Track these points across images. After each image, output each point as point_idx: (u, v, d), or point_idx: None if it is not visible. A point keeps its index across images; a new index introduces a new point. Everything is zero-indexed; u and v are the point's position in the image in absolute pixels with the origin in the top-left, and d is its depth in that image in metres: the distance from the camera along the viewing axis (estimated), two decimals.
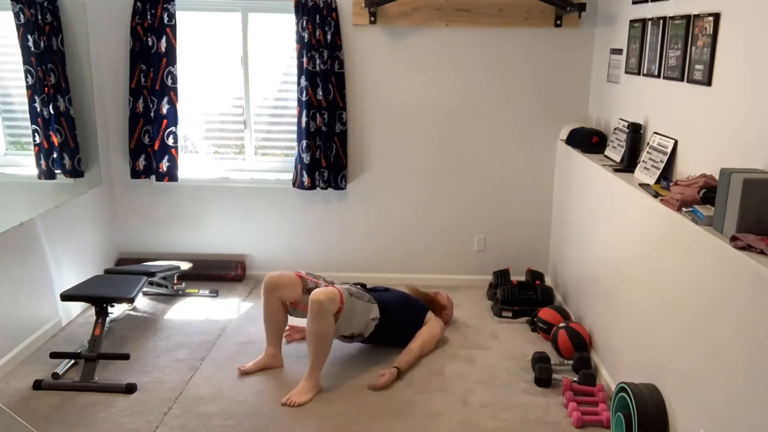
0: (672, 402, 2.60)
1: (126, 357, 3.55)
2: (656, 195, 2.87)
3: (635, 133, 3.42)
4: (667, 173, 3.10)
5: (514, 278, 4.58)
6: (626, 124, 3.59)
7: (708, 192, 2.53)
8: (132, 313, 4.29)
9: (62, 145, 4.06)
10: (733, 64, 2.60)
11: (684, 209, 2.56)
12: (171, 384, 3.43)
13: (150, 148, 4.62)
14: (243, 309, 4.39)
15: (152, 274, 4.16)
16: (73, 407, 3.20)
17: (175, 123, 4.58)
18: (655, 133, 3.29)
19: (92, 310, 3.70)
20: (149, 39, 4.44)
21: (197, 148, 4.92)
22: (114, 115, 4.67)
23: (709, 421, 2.29)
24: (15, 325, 3.63)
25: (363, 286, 3.98)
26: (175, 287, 4.56)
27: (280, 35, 4.59)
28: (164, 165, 4.62)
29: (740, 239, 2.14)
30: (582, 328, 3.72)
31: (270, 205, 4.80)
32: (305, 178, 4.58)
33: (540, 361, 3.49)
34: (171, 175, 4.65)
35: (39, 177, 4.01)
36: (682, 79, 3.02)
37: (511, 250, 4.80)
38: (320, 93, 4.45)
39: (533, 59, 4.49)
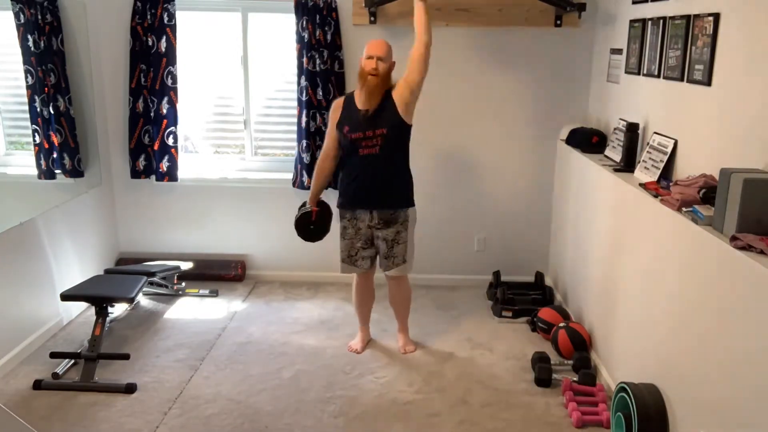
0: (672, 402, 2.60)
1: (126, 357, 3.55)
2: (656, 195, 2.87)
3: (632, 133, 3.42)
4: (667, 173, 3.10)
5: (514, 278, 4.60)
6: (626, 124, 3.59)
7: (708, 192, 2.53)
8: (132, 312, 4.29)
9: (62, 145, 4.06)
10: (733, 64, 2.60)
11: (684, 209, 2.56)
12: (171, 384, 3.43)
13: (150, 148, 4.62)
14: (243, 309, 4.40)
15: (152, 274, 4.16)
16: (73, 407, 3.20)
17: (175, 123, 4.58)
18: (655, 133, 3.29)
19: (92, 310, 3.70)
20: (149, 39, 4.44)
21: (197, 148, 4.92)
22: (114, 115, 4.67)
23: (709, 421, 2.29)
24: (15, 325, 3.63)
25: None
26: (175, 287, 4.56)
27: (280, 35, 4.59)
28: (164, 165, 4.62)
29: (740, 239, 2.14)
30: (582, 328, 3.72)
31: (270, 205, 4.80)
32: (305, 178, 4.58)
33: (540, 361, 3.49)
34: (171, 175, 4.65)
35: (39, 177, 4.01)
36: (682, 79, 3.02)
37: (511, 250, 4.80)
38: (320, 93, 4.45)
39: (533, 59, 4.49)
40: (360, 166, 3.55)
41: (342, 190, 3.66)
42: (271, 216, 4.82)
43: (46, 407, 3.19)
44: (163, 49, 4.44)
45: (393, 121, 3.49)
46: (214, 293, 4.61)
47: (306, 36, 4.37)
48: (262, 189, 4.78)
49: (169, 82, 4.50)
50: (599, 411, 3.12)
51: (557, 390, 3.39)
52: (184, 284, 4.63)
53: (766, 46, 2.37)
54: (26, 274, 3.73)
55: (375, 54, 3.50)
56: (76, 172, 4.20)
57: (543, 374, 3.41)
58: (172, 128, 4.58)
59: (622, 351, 3.23)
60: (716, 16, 2.71)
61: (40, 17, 3.86)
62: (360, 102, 3.53)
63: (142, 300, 4.49)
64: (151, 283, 4.36)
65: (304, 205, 3.81)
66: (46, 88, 3.92)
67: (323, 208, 3.80)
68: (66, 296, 3.60)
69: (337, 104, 3.65)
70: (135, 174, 4.67)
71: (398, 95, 3.51)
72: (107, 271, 4.36)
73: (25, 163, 4.09)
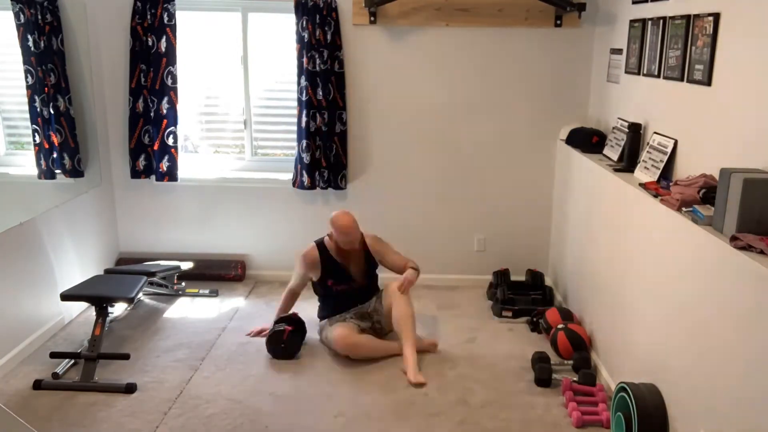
0: (672, 402, 2.60)
1: (126, 357, 3.55)
2: (656, 195, 2.87)
3: (635, 134, 3.42)
4: (667, 173, 3.10)
5: (513, 278, 4.60)
6: (625, 123, 3.60)
7: (708, 192, 2.53)
8: (132, 312, 4.29)
9: (62, 145, 4.06)
10: (733, 64, 2.60)
11: (684, 209, 2.56)
12: (171, 384, 3.43)
13: (150, 148, 4.62)
14: (243, 309, 4.39)
15: (152, 274, 4.16)
16: (73, 407, 3.20)
17: (175, 123, 4.58)
18: (655, 133, 3.29)
19: (92, 310, 3.70)
20: (149, 39, 4.44)
21: (197, 148, 4.92)
22: (114, 115, 4.67)
23: (709, 421, 2.29)
24: (15, 325, 3.63)
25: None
26: (175, 287, 4.56)
27: (280, 35, 4.59)
28: (164, 165, 4.62)
29: (740, 239, 2.14)
30: (581, 329, 3.71)
31: (270, 205, 4.80)
32: (305, 178, 4.58)
33: (540, 361, 3.49)
34: (171, 175, 4.65)
35: (39, 177, 4.01)
36: (682, 79, 3.02)
37: (511, 250, 4.80)
38: (320, 93, 4.45)
39: (533, 59, 4.49)
40: (338, 297, 3.88)
41: (322, 308, 3.97)
42: (271, 216, 4.82)
43: (46, 407, 3.19)
44: (163, 49, 4.44)
45: (370, 268, 3.94)
46: (214, 293, 4.61)
47: (306, 36, 4.37)
48: (262, 189, 4.78)
49: (169, 82, 4.50)
50: (599, 411, 3.12)
51: (557, 390, 3.39)
52: (184, 284, 4.63)
53: (766, 46, 2.37)
54: (26, 274, 3.73)
55: (350, 241, 3.81)
56: (76, 172, 4.20)
57: (543, 374, 3.41)
58: (172, 128, 4.58)
59: (622, 351, 3.22)
60: (716, 16, 2.71)
61: (40, 17, 3.86)
62: (340, 258, 3.86)
63: (142, 300, 4.49)
64: (151, 283, 4.36)
65: (279, 321, 3.81)
66: (46, 88, 3.92)
67: (297, 328, 3.80)
68: (66, 296, 3.60)
69: (313, 259, 3.87)
70: (135, 174, 4.67)
71: (375, 251, 3.94)
72: (107, 271, 4.37)
73: (25, 163, 4.09)
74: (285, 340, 3.68)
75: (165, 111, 4.54)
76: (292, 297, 4.00)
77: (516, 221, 4.78)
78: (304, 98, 4.47)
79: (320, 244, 3.89)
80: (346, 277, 3.85)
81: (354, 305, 3.89)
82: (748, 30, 2.50)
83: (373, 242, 3.97)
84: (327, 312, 3.91)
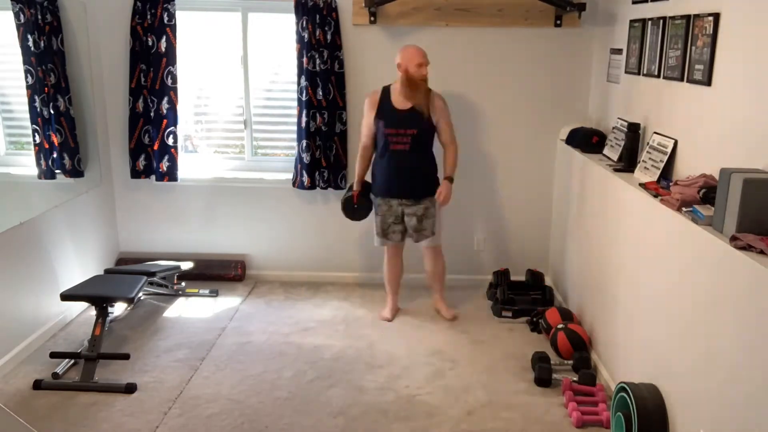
0: (672, 402, 2.60)
1: (126, 357, 3.55)
2: (656, 195, 2.87)
3: (634, 134, 3.42)
4: (667, 173, 3.10)
5: (513, 278, 4.60)
6: (624, 123, 3.60)
7: (708, 192, 2.53)
8: (132, 312, 4.29)
9: (62, 144, 4.06)
10: (733, 64, 2.60)
11: (684, 209, 2.56)
12: (171, 384, 3.43)
13: (150, 148, 4.62)
14: (243, 309, 4.40)
15: (152, 274, 4.16)
16: (73, 407, 3.20)
17: (175, 123, 4.58)
18: (655, 133, 3.29)
19: (92, 310, 3.70)
20: (149, 39, 4.44)
21: (197, 148, 4.92)
22: (114, 115, 4.67)
23: (709, 421, 2.29)
24: (15, 325, 3.63)
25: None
26: (175, 287, 4.56)
27: (280, 35, 4.59)
28: (164, 165, 4.62)
29: (740, 239, 2.14)
30: (581, 329, 3.72)
31: (270, 205, 4.80)
32: (305, 178, 4.58)
33: (540, 361, 3.49)
34: (171, 174, 4.65)
35: (39, 177, 4.01)
36: (682, 79, 3.02)
37: (511, 250, 4.80)
38: (320, 93, 4.45)
39: (533, 59, 4.49)
40: (391, 160, 3.98)
41: (375, 179, 4.11)
42: (271, 216, 4.82)
43: (46, 407, 3.19)
44: (163, 49, 4.44)
45: (423, 124, 3.94)
46: (214, 293, 4.61)
47: (306, 36, 4.37)
48: (262, 189, 4.78)
49: (169, 82, 4.50)
50: (599, 411, 3.12)
51: (557, 390, 3.39)
52: (184, 284, 4.63)
53: (766, 46, 2.37)
54: (26, 274, 3.73)
55: (425, 61, 3.90)
56: (76, 172, 4.20)
57: (543, 374, 3.41)
58: (172, 128, 4.58)
59: (622, 351, 3.23)
60: (716, 16, 2.71)
61: (40, 17, 3.86)
62: (399, 102, 3.94)
63: (142, 300, 4.49)
64: (151, 283, 4.35)
65: (350, 188, 4.23)
66: (46, 88, 3.92)
67: (365, 190, 4.18)
68: (66, 296, 3.60)
69: (373, 99, 4.02)
70: (135, 174, 4.67)
71: (436, 110, 3.97)
72: (107, 271, 4.36)
73: (25, 163, 4.09)
74: (355, 204, 4.16)
75: (165, 111, 4.54)
76: (364, 151, 4.11)
77: (516, 221, 4.78)
78: (304, 98, 4.47)
79: (385, 87, 4.03)
80: (398, 121, 3.91)
81: (404, 185, 4.00)
82: (748, 30, 2.50)
83: (438, 98, 3.99)
84: (376, 183, 4.09)
